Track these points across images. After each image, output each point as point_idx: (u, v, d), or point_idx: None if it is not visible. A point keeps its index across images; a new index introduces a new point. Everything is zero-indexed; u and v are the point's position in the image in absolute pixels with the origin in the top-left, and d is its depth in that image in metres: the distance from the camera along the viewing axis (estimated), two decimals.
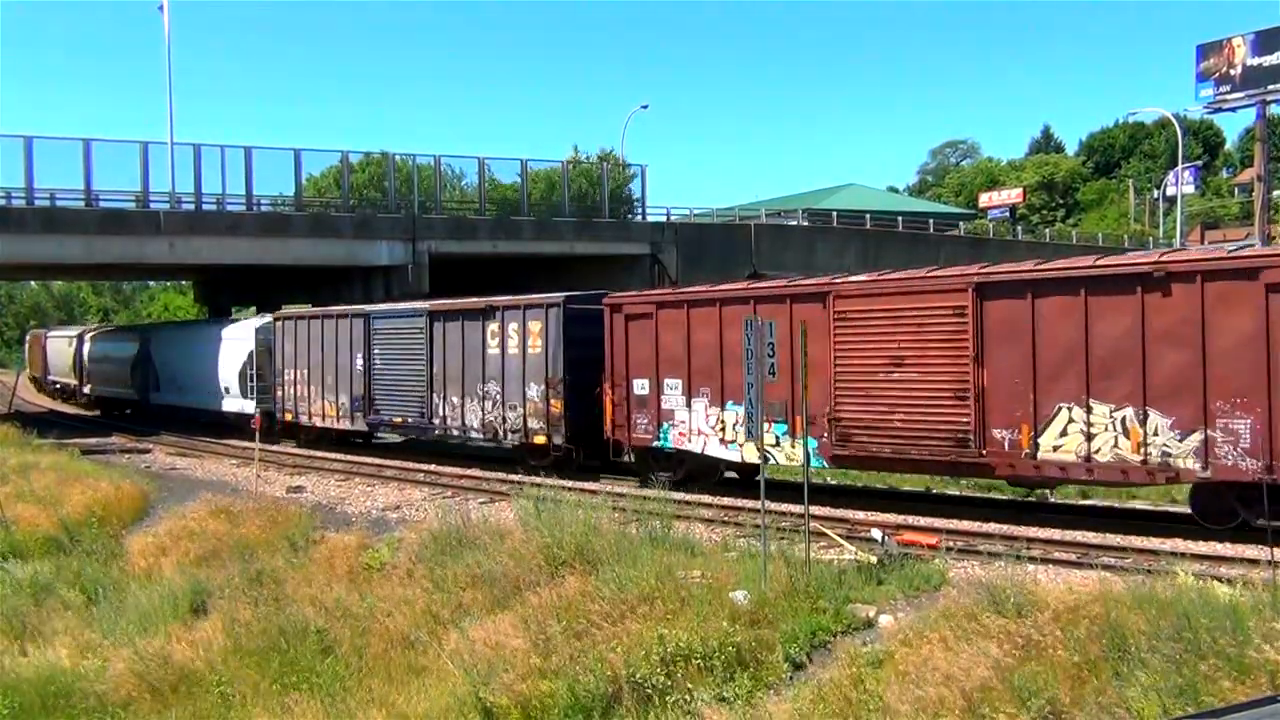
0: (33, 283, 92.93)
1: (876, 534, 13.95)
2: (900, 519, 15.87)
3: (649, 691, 10.30)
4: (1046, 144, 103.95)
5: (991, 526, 15.14)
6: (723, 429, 18.03)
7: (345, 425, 27.68)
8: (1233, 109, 47.63)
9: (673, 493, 16.34)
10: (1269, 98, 44.69)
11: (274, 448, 28.18)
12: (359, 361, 26.69)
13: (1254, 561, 11.63)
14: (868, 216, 52.46)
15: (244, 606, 15.13)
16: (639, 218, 44.32)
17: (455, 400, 23.60)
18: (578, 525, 13.65)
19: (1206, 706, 7.61)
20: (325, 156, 44.68)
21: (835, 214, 52.83)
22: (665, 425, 19.06)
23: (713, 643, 10.43)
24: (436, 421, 24.21)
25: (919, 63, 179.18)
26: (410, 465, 24.68)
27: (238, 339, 32.60)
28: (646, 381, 19.38)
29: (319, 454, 27.58)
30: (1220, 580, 10.24)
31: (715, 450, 18.32)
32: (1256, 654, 8.21)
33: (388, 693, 12.07)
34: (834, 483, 19.91)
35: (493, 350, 22.46)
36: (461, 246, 36.98)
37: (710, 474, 19.04)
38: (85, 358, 47.86)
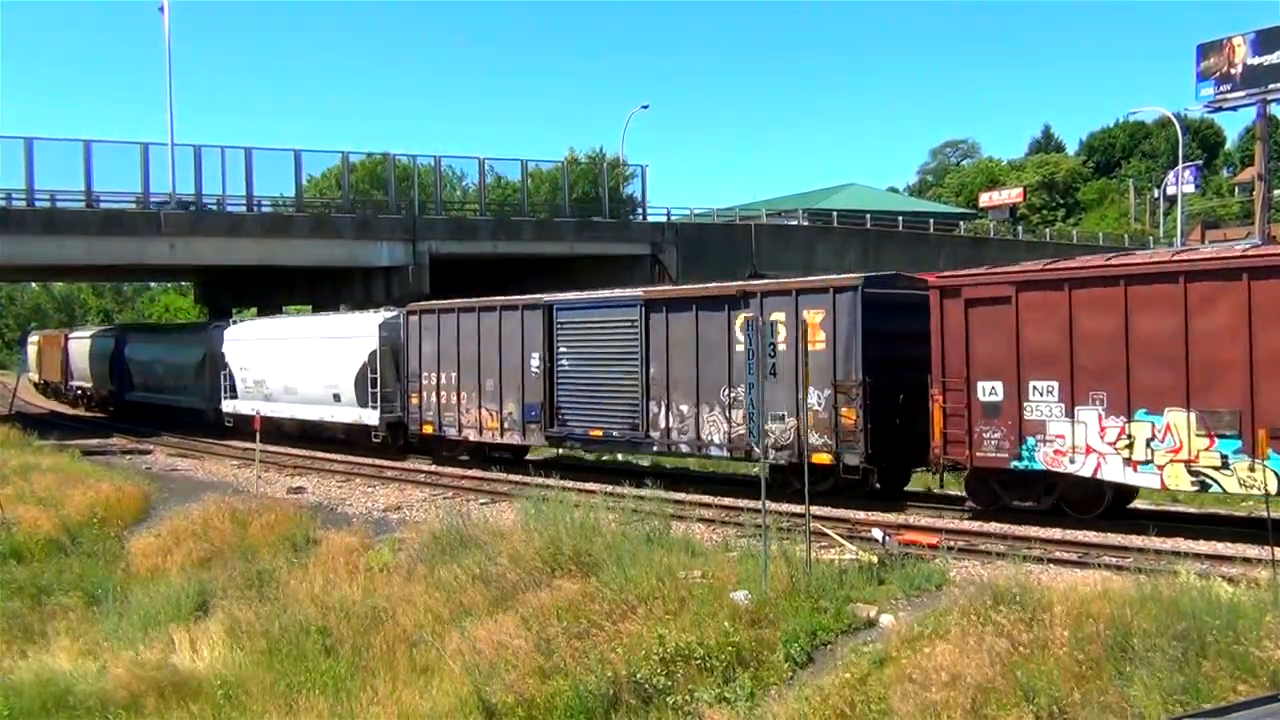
0: (33, 284, 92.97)
1: (877, 534, 13.95)
2: (901, 519, 15.86)
3: (650, 691, 10.31)
4: (1047, 143, 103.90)
5: (992, 526, 15.14)
6: (1129, 446, 14.12)
7: (513, 439, 22.76)
8: (1233, 108, 47.63)
9: (672, 493, 16.30)
10: (1269, 97, 44.67)
11: (274, 448, 28.12)
12: (535, 362, 21.72)
13: (1255, 560, 11.64)
14: (868, 216, 52.46)
15: (246, 607, 15.14)
16: (639, 218, 44.34)
17: (684, 409, 19.11)
18: (577, 525, 13.65)
19: (1209, 705, 7.62)
20: (326, 157, 44.76)
21: (836, 214, 52.84)
22: (1031, 440, 15.07)
23: (713, 643, 10.44)
24: (655, 435, 19.59)
25: (919, 62, 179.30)
26: (410, 466, 24.69)
27: (353, 336, 27.24)
28: (998, 384, 15.33)
29: (319, 455, 27.58)
30: (1222, 579, 10.23)
31: (1115, 473, 14.36)
32: (1258, 652, 8.21)
33: (391, 692, 12.08)
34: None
35: (744, 347, 18.79)
36: (462, 247, 36.99)
37: (1093, 504, 15.07)
38: (128, 361, 42.02)
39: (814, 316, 17.18)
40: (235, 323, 34.77)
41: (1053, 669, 8.72)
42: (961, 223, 69.34)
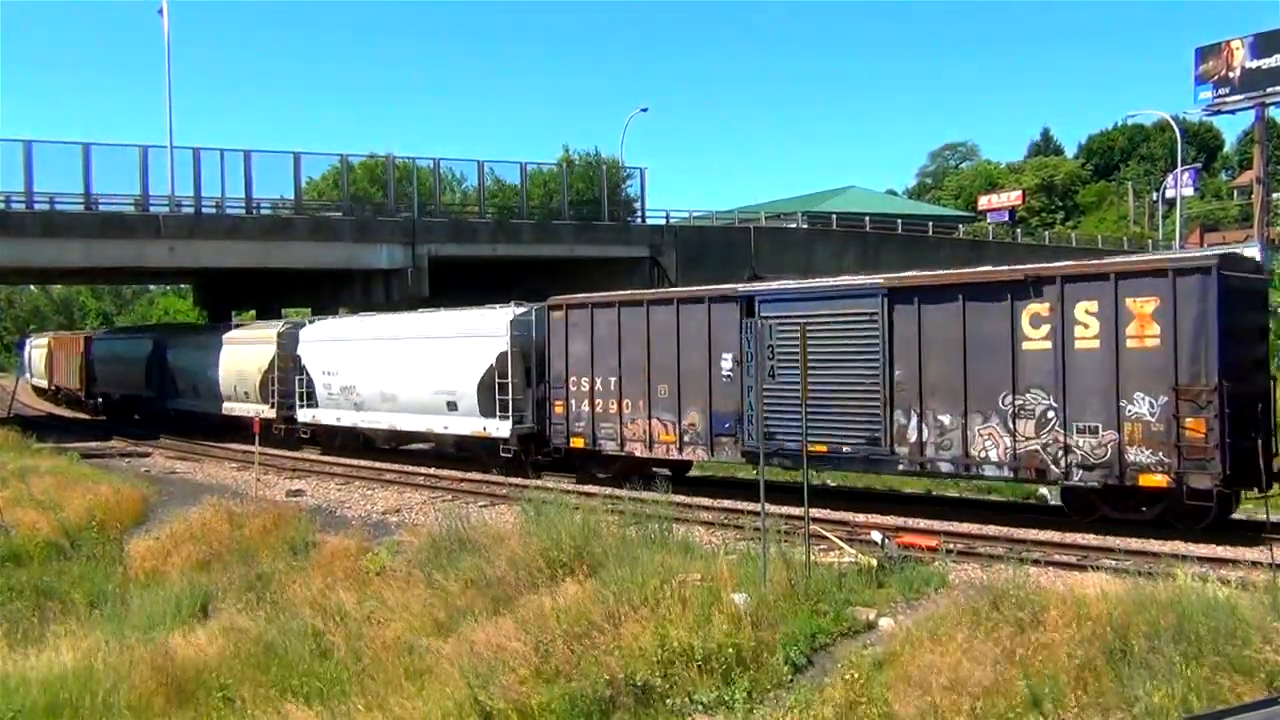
0: (32, 286, 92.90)
1: (876, 536, 13.94)
2: (900, 521, 15.86)
3: (648, 694, 10.29)
4: (1046, 146, 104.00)
5: (991, 529, 15.15)
6: None
7: (695, 454, 19.36)
8: (1231, 111, 47.71)
9: (672, 495, 16.27)
10: (1268, 100, 44.73)
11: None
12: (726, 364, 18.46)
13: (1254, 563, 11.65)
14: (867, 219, 52.48)
15: (244, 611, 15.13)
16: (639, 220, 44.35)
17: (945, 419, 16.02)
18: (577, 528, 13.64)
19: (1208, 708, 7.62)
20: (325, 160, 44.74)
21: (834, 217, 52.86)
22: None
23: (712, 645, 10.43)
24: (902, 451, 16.40)
25: (918, 65, 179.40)
26: (410, 469, 24.66)
27: (477, 336, 23.43)
28: None
29: (318, 458, 27.58)
30: (1220, 582, 10.23)
31: None
32: (1257, 655, 8.21)
33: (387, 696, 12.06)
34: (834, 484, 19.87)
35: (1036, 344, 15.05)
36: (461, 249, 36.99)
37: None
38: (171, 366, 37.30)
39: (1143, 306, 14.32)
40: (313, 321, 30.56)
41: (1053, 671, 8.72)
42: (960, 225, 69.31)
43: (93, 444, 32.65)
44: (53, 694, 13.70)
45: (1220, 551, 12.97)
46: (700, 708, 10.04)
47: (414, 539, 16.11)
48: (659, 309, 19.98)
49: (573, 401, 21.14)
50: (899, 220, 55.72)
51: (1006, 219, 77.31)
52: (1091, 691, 8.52)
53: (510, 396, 22.25)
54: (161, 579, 17.81)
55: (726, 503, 17.81)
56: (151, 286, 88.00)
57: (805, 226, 50.56)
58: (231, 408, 33.02)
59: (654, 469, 20.06)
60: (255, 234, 34.33)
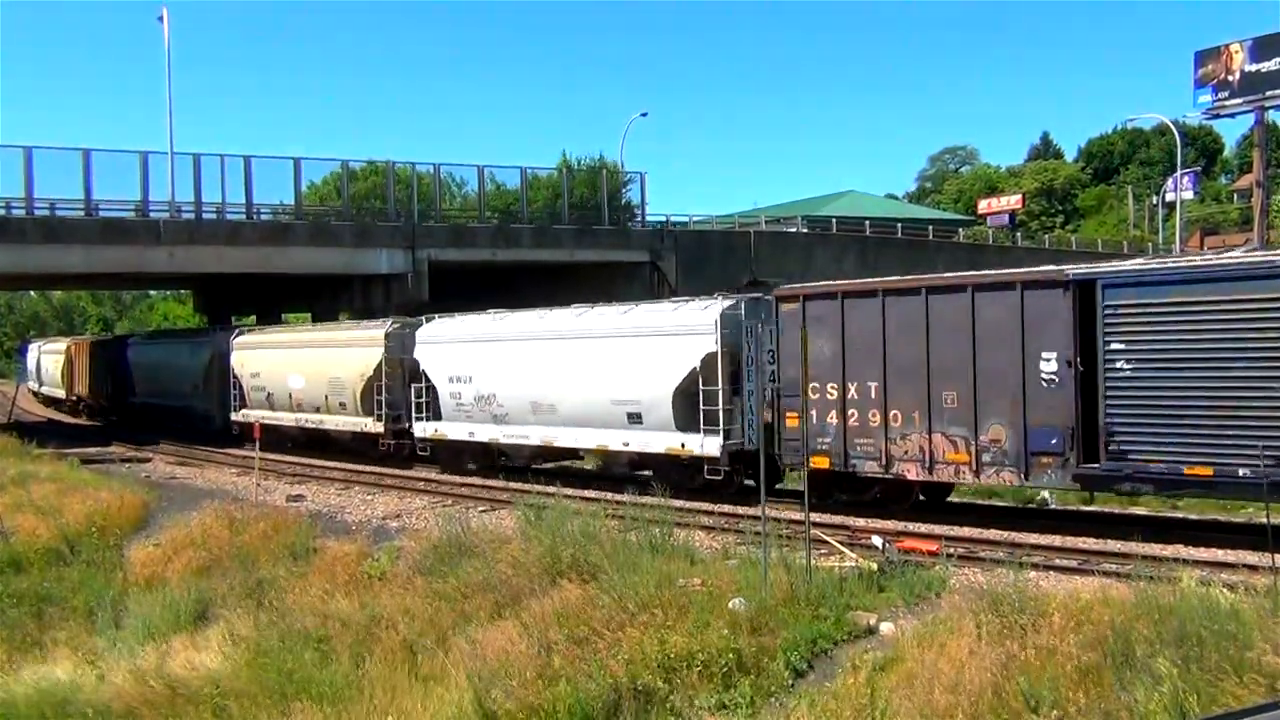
0: (32, 292, 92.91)
1: (877, 541, 13.93)
2: (900, 525, 15.85)
3: (650, 699, 10.28)
4: (1045, 150, 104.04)
5: (992, 533, 15.13)
6: None
7: (1002, 477, 15.58)
8: (1231, 115, 47.77)
9: (672, 500, 16.26)
10: (1267, 103, 44.77)
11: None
12: (1048, 365, 14.82)
13: (1254, 567, 11.64)
14: (867, 223, 52.47)
15: (245, 617, 15.12)
16: (638, 225, 44.37)
17: None
18: (578, 533, 13.63)
19: (1210, 712, 7.61)
20: (325, 165, 44.81)
21: (834, 221, 52.87)
22: None
23: (714, 650, 10.42)
24: None
25: (917, 69, 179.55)
26: (409, 474, 24.64)
27: (675, 333, 19.57)
28: None
29: (318, 462, 27.56)
30: (1222, 586, 10.22)
31: None
32: (1259, 658, 8.20)
33: (389, 702, 12.05)
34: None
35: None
36: (461, 254, 37.00)
37: None
38: (237, 375, 32.25)
39: None
40: (431, 319, 25.88)
41: (1055, 675, 8.71)
42: (960, 229, 69.28)
43: (93, 449, 32.66)
44: (49, 702, 13.70)
45: (1221, 555, 12.96)
46: (702, 712, 10.03)
47: (415, 544, 16.10)
48: (944, 298, 16.21)
49: (813, 413, 16.96)
50: (899, 224, 55.71)
51: (1006, 223, 77.30)
52: (1093, 696, 8.50)
53: (719, 407, 18.30)
54: (162, 585, 17.80)
55: (726, 507, 17.79)
56: (151, 292, 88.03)
57: (805, 231, 50.56)
58: (321, 421, 28.60)
59: (923, 493, 17.54)
60: (255, 239, 34.36)
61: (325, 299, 39.38)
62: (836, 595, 11.27)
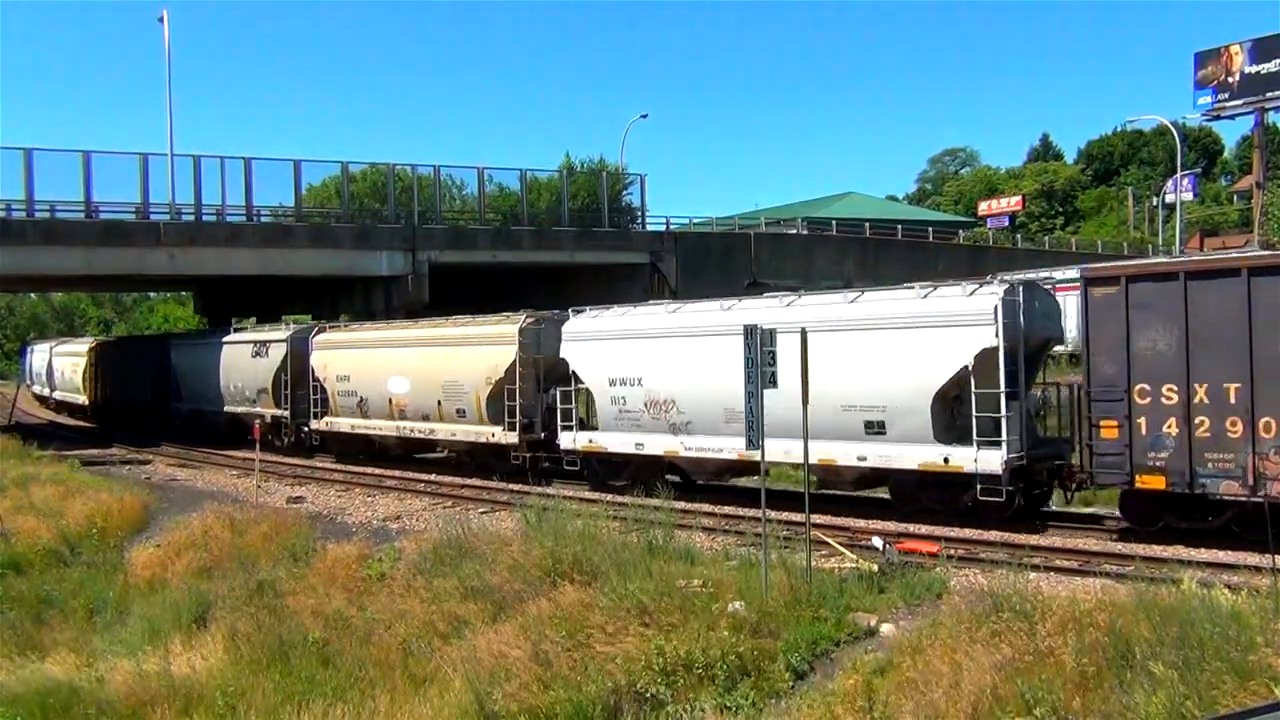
0: (32, 294, 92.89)
1: (877, 542, 13.92)
2: (900, 527, 15.85)
3: (651, 702, 10.28)
4: (1045, 152, 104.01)
5: (992, 534, 15.12)
6: None
7: None
8: (1231, 116, 47.83)
9: (674, 501, 16.24)
10: (1267, 105, 44.80)
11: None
12: None
13: (1256, 569, 11.63)
14: (867, 225, 52.49)
15: (245, 618, 15.11)
16: (639, 227, 44.40)
17: None
18: (578, 534, 13.62)
19: (1211, 714, 7.60)
20: (325, 167, 44.77)
21: (835, 222, 52.89)
22: None
23: (714, 652, 10.42)
24: None
25: (917, 71, 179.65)
26: (410, 475, 24.62)
27: (936, 324, 16.24)
28: None
29: (318, 464, 27.55)
30: (1223, 587, 10.21)
31: None
32: (1261, 661, 8.19)
33: (389, 704, 12.04)
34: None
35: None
36: (461, 256, 37.02)
37: None
38: (319, 378, 28.18)
39: None
40: (580, 312, 22.13)
41: (1054, 678, 8.70)
42: (960, 231, 69.29)
43: (93, 451, 32.66)
44: (50, 703, 13.69)
45: (1222, 556, 12.96)
46: (703, 714, 10.02)
47: (415, 545, 16.10)
48: None
49: (1140, 421, 14.27)
50: (899, 226, 55.72)
51: (1006, 224, 77.34)
52: (1092, 698, 8.50)
53: (999, 414, 15.45)
54: (162, 586, 17.80)
55: (728, 509, 17.78)
56: (152, 294, 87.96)
57: (805, 232, 50.59)
58: (431, 431, 24.91)
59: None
60: (256, 241, 34.37)
61: (326, 301, 39.39)
62: (837, 597, 11.27)
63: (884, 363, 16.55)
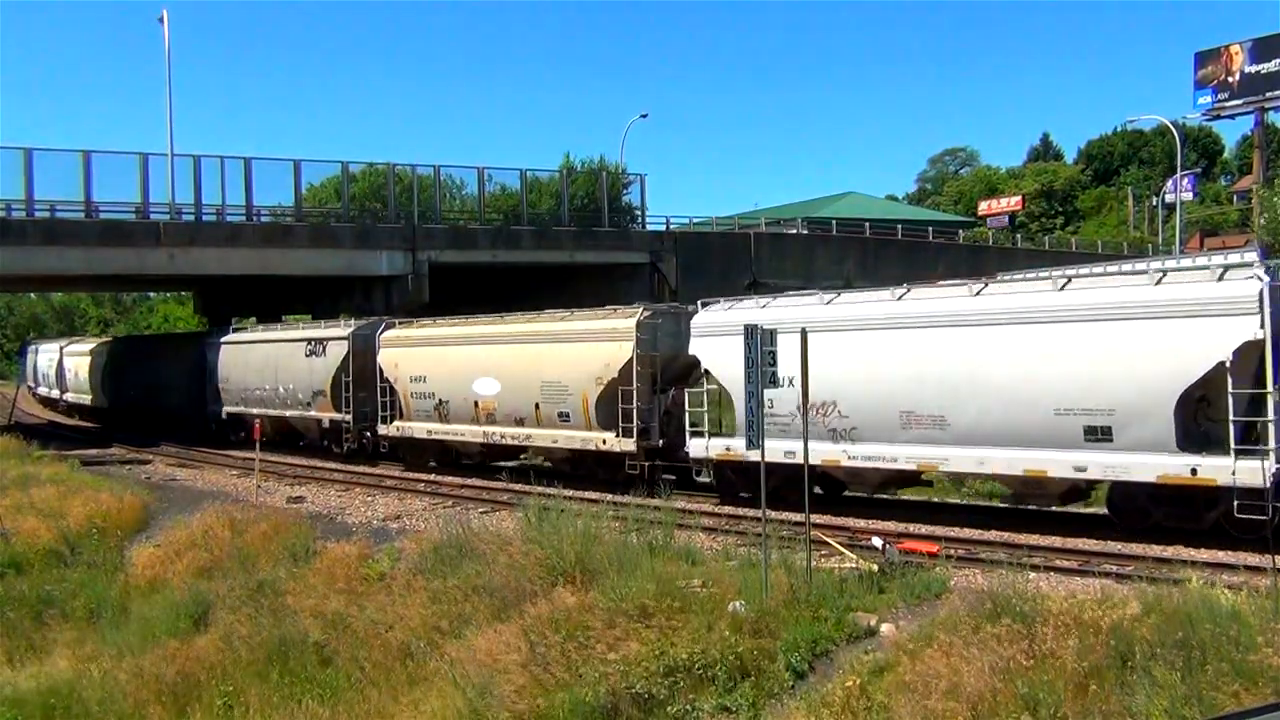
0: (32, 294, 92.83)
1: (877, 542, 13.90)
2: (901, 527, 15.85)
3: (650, 703, 10.28)
4: (1045, 152, 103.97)
5: (992, 534, 15.12)
6: None
7: None
8: (1231, 116, 47.82)
9: (674, 501, 16.23)
10: (1267, 105, 44.80)
11: (273, 457, 27.98)
12: None
13: (1256, 569, 11.63)
14: (867, 225, 52.49)
15: (244, 618, 15.12)
16: (639, 227, 44.40)
17: None
18: (578, 535, 13.61)
19: (1212, 713, 7.60)
20: (325, 167, 44.78)
21: (835, 222, 52.89)
22: None
23: (714, 652, 10.41)
24: None
25: (917, 71, 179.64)
26: (410, 475, 24.62)
27: (1182, 312, 14.00)
28: None
29: (319, 464, 27.54)
30: (1223, 587, 10.21)
31: None
32: (1262, 661, 8.19)
33: (387, 704, 12.05)
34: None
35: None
36: (461, 256, 37.03)
37: None
38: (390, 376, 25.86)
39: None
40: (709, 304, 19.84)
41: (1054, 678, 8.70)
42: (960, 231, 69.27)
43: (93, 451, 32.67)
44: (50, 703, 13.71)
45: (1221, 556, 12.95)
46: (704, 715, 10.02)
47: (415, 545, 16.10)
48: None
49: None
50: (899, 226, 55.71)
51: (1006, 224, 77.35)
52: (1092, 698, 8.50)
53: (1269, 417, 13.28)
54: (162, 586, 17.81)
55: (728, 509, 17.78)
56: (151, 294, 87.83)
57: (805, 232, 50.60)
58: (527, 436, 22.72)
59: None
60: (256, 241, 34.37)
61: (326, 301, 39.39)
62: (837, 596, 11.26)
63: (1110, 359, 14.33)
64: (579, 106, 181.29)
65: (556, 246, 39.18)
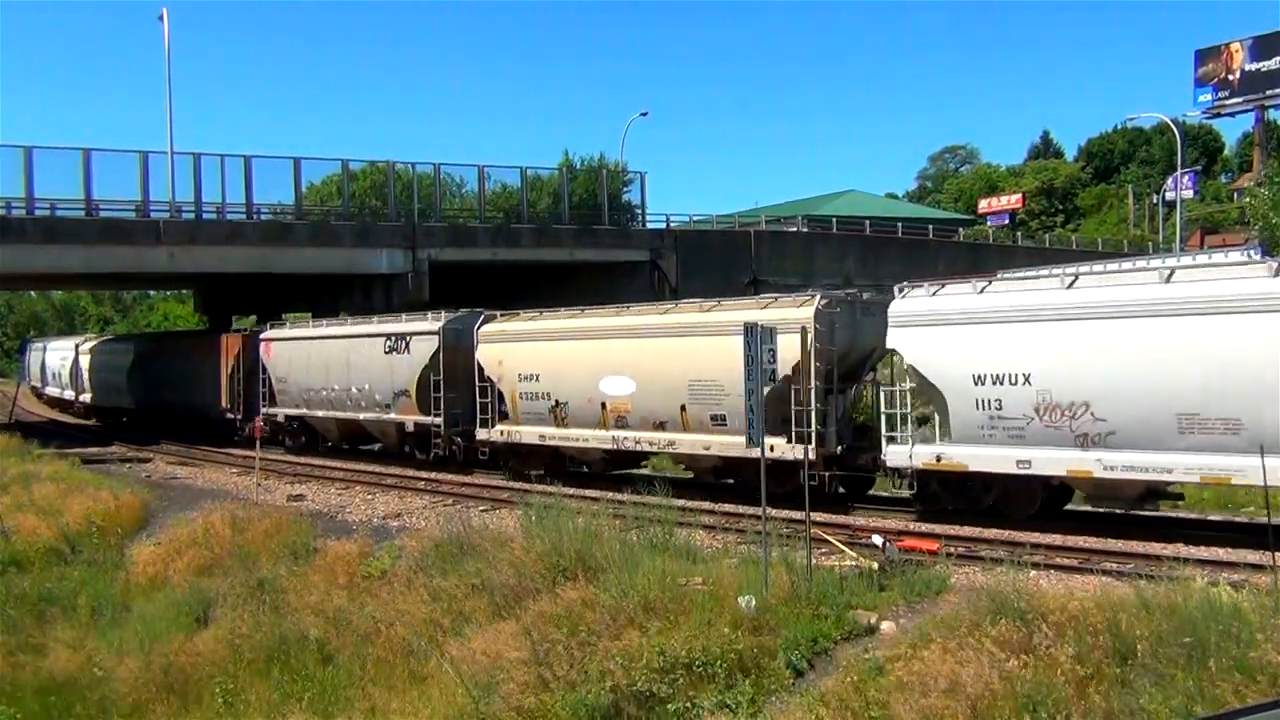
0: (32, 292, 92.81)
1: (877, 540, 13.91)
2: (901, 525, 15.85)
3: (651, 701, 10.28)
4: (1045, 149, 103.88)
5: (992, 532, 15.12)
6: None
7: None
8: (1231, 114, 47.82)
9: (674, 499, 16.21)
10: (1267, 103, 44.78)
11: (274, 455, 27.98)
12: None
13: (1257, 566, 11.64)
14: (867, 223, 52.50)
15: (245, 616, 15.13)
16: (639, 225, 44.40)
17: None
18: (579, 532, 13.62)
19: (1212, 711, 7.60)
20: (325, 165, 44.78)
21: (835, 220, 52.90)
22: None
23: (714, 650, 10.42)
24: None
25: (918, 69, 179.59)
26: (410, 473, 24.60)
27: None
28: None
29: (319, 462, 27.54)
30: (1224, 584, 10.21)
31: None
32: (1262, 658, 8.19)
33: (388, 702, 12.05)
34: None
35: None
36: (462, 254, 37.03)
37: None
38: (491, 375, 23.14)
39: None
40: (915, 289, 17.03)
41: (1053, 676, 8.70)
42: (960, 229, 69.28)
43: (93, 449, 32.68)
44: (53, 700, 13.72)
45: (1222, 554, 12.96)
46: (703, 712, 10.03)
47: (416, 543, 16.10)
48: None
49: None
50: (899, 224, 55.72)
51: (1006, 222, 77.33)
52: (1092, 696, 8.50)
53: None
54: (163, 585, 17.83)
55: (728, 506, 17.78)
56: (151, 292, 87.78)
57: (805, 230, 50.60)
58: (670, 443, 19.80)
59: None
60: (255, 239, 34.37)
61: (326, 299, 39.40)
62: (837, 594, 11.26)
63: None
64: (579, 104, 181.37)
65: (556, 245, 39.17)
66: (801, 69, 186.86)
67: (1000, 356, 15.31)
